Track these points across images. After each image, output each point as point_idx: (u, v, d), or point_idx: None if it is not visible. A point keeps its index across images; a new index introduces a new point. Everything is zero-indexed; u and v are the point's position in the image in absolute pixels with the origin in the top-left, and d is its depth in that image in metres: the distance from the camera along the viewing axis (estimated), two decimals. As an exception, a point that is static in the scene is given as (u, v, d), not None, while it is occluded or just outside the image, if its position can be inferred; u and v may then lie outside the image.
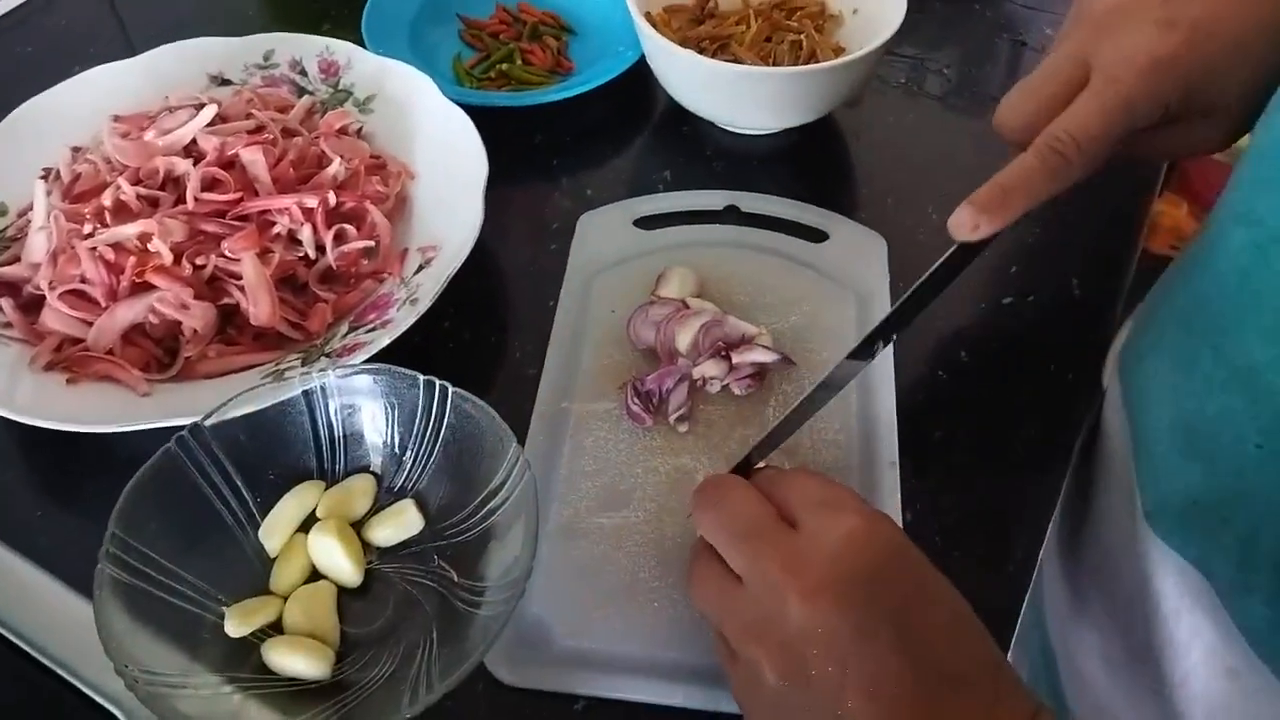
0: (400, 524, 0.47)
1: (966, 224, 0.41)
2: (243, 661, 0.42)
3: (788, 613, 0.36)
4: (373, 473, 0.49)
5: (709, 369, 0.53)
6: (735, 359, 0.53)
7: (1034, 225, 0.63)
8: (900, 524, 0.48)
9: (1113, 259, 0.62)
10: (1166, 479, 0.43)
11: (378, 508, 0.48)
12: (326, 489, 0.48)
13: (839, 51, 0.68)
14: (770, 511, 0.39)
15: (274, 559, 0.46)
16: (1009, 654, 0.46)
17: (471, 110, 0.61)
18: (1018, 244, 0.62)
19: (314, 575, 0.46)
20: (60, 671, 0.46)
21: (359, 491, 0.48)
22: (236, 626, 0.42)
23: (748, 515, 0.39)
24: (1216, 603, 0.42)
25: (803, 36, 0.67)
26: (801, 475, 0.41)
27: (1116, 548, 0.50)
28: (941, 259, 0.43)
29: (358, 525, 0.47)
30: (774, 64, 0.67)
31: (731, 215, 0.63)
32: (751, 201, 0.63)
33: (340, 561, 0.45)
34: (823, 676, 0.35)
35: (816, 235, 0.61)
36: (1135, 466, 0.46)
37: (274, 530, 0.46)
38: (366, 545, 0.47)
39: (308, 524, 0.47)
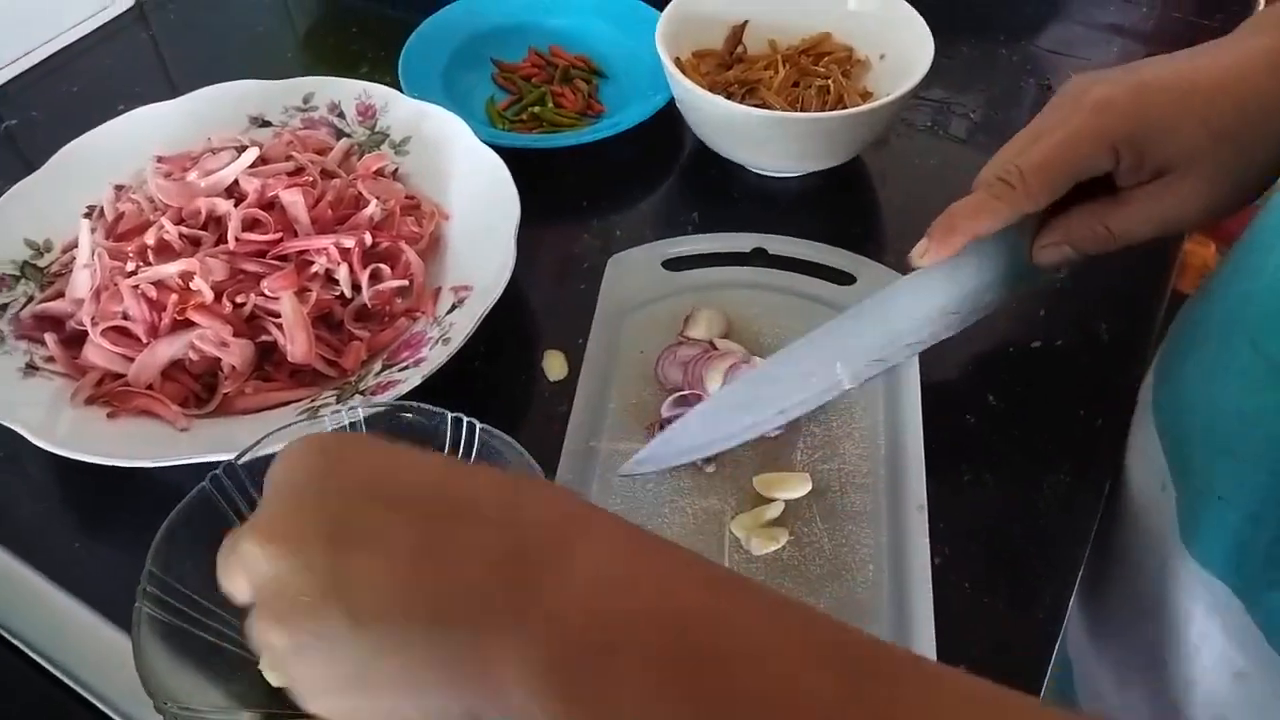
0: None
1: (919, 249, 0.47)
2: (276, 698, 0.43)
3: (255, 560, 0.30)
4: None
5: (737, 410, 0.53)
6: (763, 400, 0.53)
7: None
8: (929, 569, 0.48)
9: (1141, 302, 0.62)
10: (1202, 485, 0.44)
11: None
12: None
13: (866, 96, 0.69)
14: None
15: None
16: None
17: (503, 152, 0.62)
18: (1047, 288, 0.62)
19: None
20: (93, 700, 0.47)
21: None
22: (276, 676, 0.43)
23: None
24: (1231, 604, 0.42)
25: (830, 81, 0.68)
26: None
27: (1140, 565, 0.51)
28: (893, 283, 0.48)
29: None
30: (802, 109, 0.67)
31: (759, 257, 0.63)
32: (779, 244, 0.64)
33: None
34: (321, 610, 0.29)
35: (844, 278, 0.62)
36: (1170, 476, 0.46)
37: None
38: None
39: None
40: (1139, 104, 0.45)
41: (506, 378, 0.58)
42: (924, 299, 0.48)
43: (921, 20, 0.66)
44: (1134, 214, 0.47)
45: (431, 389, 0.51)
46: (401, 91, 0.69)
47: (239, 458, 0.46)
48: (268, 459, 0.46)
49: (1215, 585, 0.43)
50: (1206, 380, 0.44)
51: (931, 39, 0.65)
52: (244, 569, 0.31)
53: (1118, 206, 0.47)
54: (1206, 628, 0.44)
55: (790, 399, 0.50)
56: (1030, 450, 0.54)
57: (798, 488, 0.51)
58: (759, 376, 0.45)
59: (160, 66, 0.84)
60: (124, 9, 0.86)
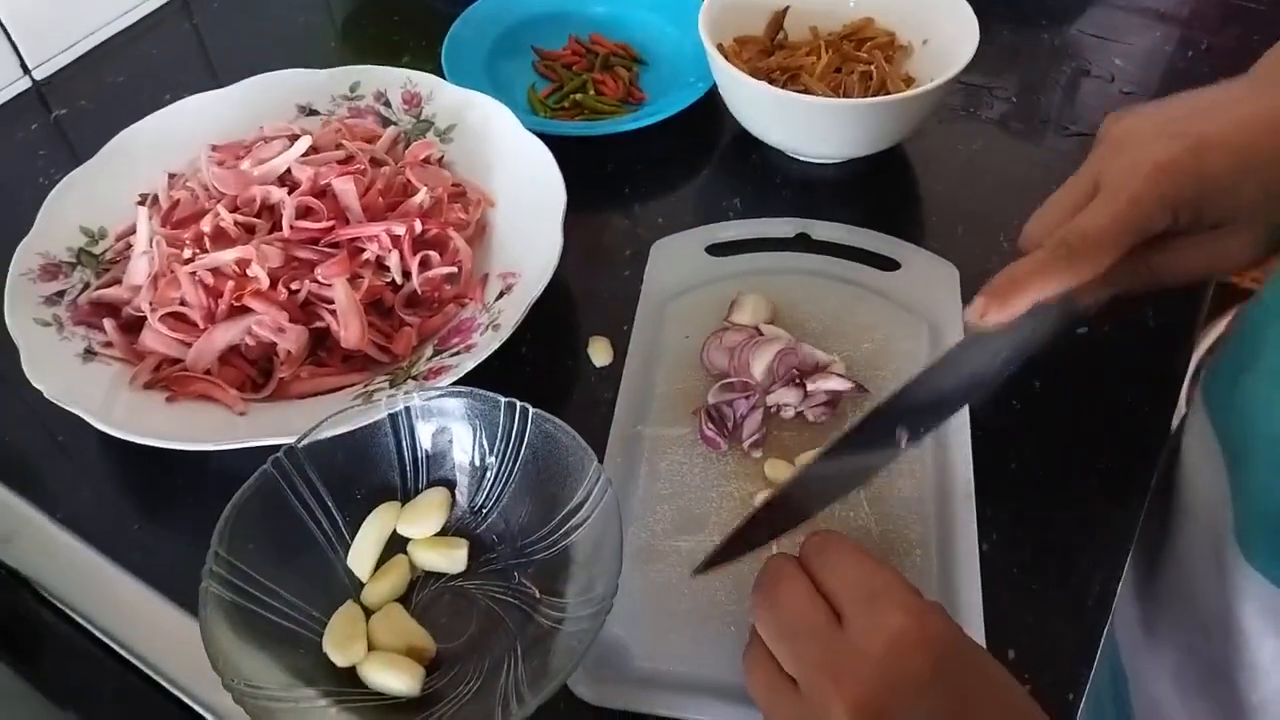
0: (448, 557, 0.48)
1: (977, 309, 0.44)
2: (337, 675, 0.44)
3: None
4: (449, 485, 0.50)
5: (784, 396, 0.54)
6: (810, 387, 0.54)
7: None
8: (976, 555, 0.48)
9: (1188, 288, 0.62)
10: (1263, 497, 0.43)
11: (454, 522, 0.50)
12: (402, 507, 0.49)
13: (909, 82, 0.69)
14: (821, 609, 0.39)
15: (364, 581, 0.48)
16: (1086, 692, 0.46)
17: (546, 139, 0.63)
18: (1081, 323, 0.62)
19: (404, 590, 0.48)
20: (157, 678, 0.48)
21: (434, 506, 0.49)
22: (342, 657, 0.44)
23: (798, 613, 0.39)
24: None
25: (873, 67, 0.68)
26: (850, 559, 0.40)
27: (1196, 570, 0.50)
28: (955, 344, 0.45)
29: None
30: (844, 95, 0.67)
31: (802, 243, 0.64)
32: (822, 229, 0.64)
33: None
34: None
35: (888, 264, 0.62)
36: (1229, 486, 0.46)
37: (361, 557, 0.48)
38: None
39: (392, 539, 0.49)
40: (1200, 166, 0.45)
41: (553, 363, 0.59)
42: (982, 360, 0.47)
43: (965, 4, 0.66)
44: (1181, 260, 0.48)
45: (479, 374, 0.52)
46: (444, 80, 0.69)
47: (299, 441, 0.47)
48: (326, 442, 0.47)
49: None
50: (1267, 402, 0.43)
51: (976, 23, 0.65)
52: (806, 692, 0.37)
53: (1165, 252, 0.47)
54: (1277, 648, 0.44)
55: (855, 476, 0.49)
56: (1077, 437, 0.54)
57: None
58: (823, 466, 0.45)
59: (203, 56, 0.85)
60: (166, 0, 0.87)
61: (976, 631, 0.46)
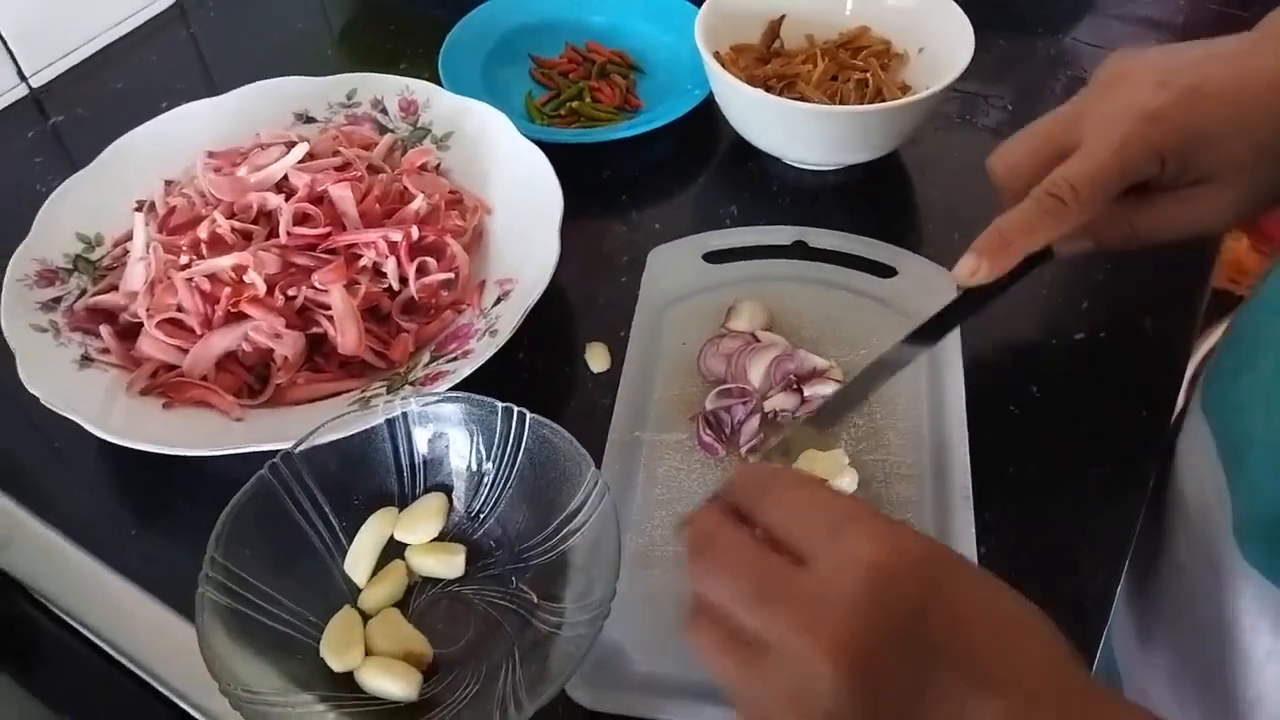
0: (446, 563, 0.48)
1: (967, 268, 0.45)
2: (334, 681, 0.44)
3: (823, 679, 0.31)
4: (447, 491, 0.50)
5: (780, 402, 0.54)
6: (806, 392, 0.54)
7: (1105, 262, 0.63)
8: (974, 559, 0.48)
9: (1184, 295, 0.62)
10: (1260, 496, 0.43)
11: (451, 527, 0.49)
12: (400, 512, 0.49)
13: (905, 89, 0.69)
14: (774, 558, 0.33)
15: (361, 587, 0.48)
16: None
17: (542, 146, 0.63)
18: (1089, 280, 0.62)
19: (401, 596, 0.48)
20: (153, 681, 0.48)
21: (431, 512, 0.49)
22: (339, 663, 0.44)
23: (747, 569, 0.34)
24: None
25: (868, 75, 0.68)
26: (794, 492, 0.35)
27: (1191, 570, 0.50)
28: (946, 304, 0.46)
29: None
30: (840, 102, 0.68)
31: (799, 250, 0.64)
32: (819, 237, 0.64)
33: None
34: None
35: (884, 270, 0.62)
36: (1227, 486, 0.46)
37: (358, 563, 0.48)
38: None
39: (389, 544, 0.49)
40: (1191, 115, 0.44)
41: (550, 369, 0.59)
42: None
43: (961, 13, 0.67)
44: (1162, 216, 0.48)
45: (477, 380, 0.52)
46: (441, 87, 0.69)
47: (296, 447, 0.47)
48: (323, 448, 0.47)
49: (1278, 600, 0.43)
50: (1266, 402, 0.43)
51: (972, 32, 0.65)
52: (779, 654, 0.32)
53: (1146, 207, 0.47)
54: (1271, 644, 0.44)
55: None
56: (1075, 441, 0.54)
57: (842, 481, 0.51)
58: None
59: (200, 64, 0.85)
60: (164, 7, 0.88)
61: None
